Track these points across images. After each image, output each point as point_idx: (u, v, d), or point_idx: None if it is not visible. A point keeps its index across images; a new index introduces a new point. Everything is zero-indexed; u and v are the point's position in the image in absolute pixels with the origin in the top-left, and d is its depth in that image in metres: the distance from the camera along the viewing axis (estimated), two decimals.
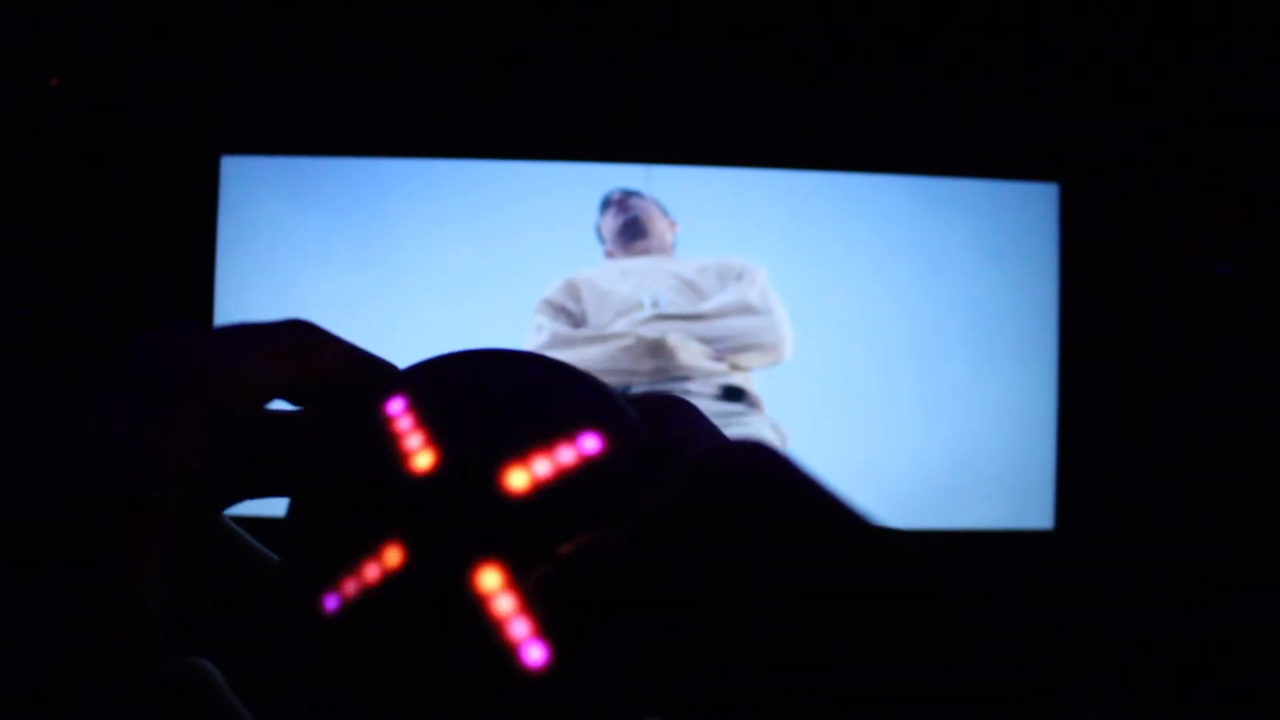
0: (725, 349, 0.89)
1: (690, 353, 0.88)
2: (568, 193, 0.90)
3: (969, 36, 0.88)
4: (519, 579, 0.16)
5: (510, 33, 0.86)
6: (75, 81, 0.82)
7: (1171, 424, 0.91)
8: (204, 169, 0.87)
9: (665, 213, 0.91)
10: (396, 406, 0.18)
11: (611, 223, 0.90)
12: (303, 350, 0.17)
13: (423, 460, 0.17)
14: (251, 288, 0.87)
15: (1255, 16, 0.86)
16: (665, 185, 0.91)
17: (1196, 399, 0.90)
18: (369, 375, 0.18)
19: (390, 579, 0.16)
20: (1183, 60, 0.89)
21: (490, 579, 0.16)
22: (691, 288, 0.90)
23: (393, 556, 0.16)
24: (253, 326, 0.17)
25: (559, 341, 0.88)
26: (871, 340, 0.92)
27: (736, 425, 0.87)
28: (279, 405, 0.18)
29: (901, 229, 0.92)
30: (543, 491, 0.17)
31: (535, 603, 0.16)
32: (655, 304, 0.89)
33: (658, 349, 0.88)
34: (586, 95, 0.89)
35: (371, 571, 0.16)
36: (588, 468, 0.17)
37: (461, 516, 0.16)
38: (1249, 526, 0.88)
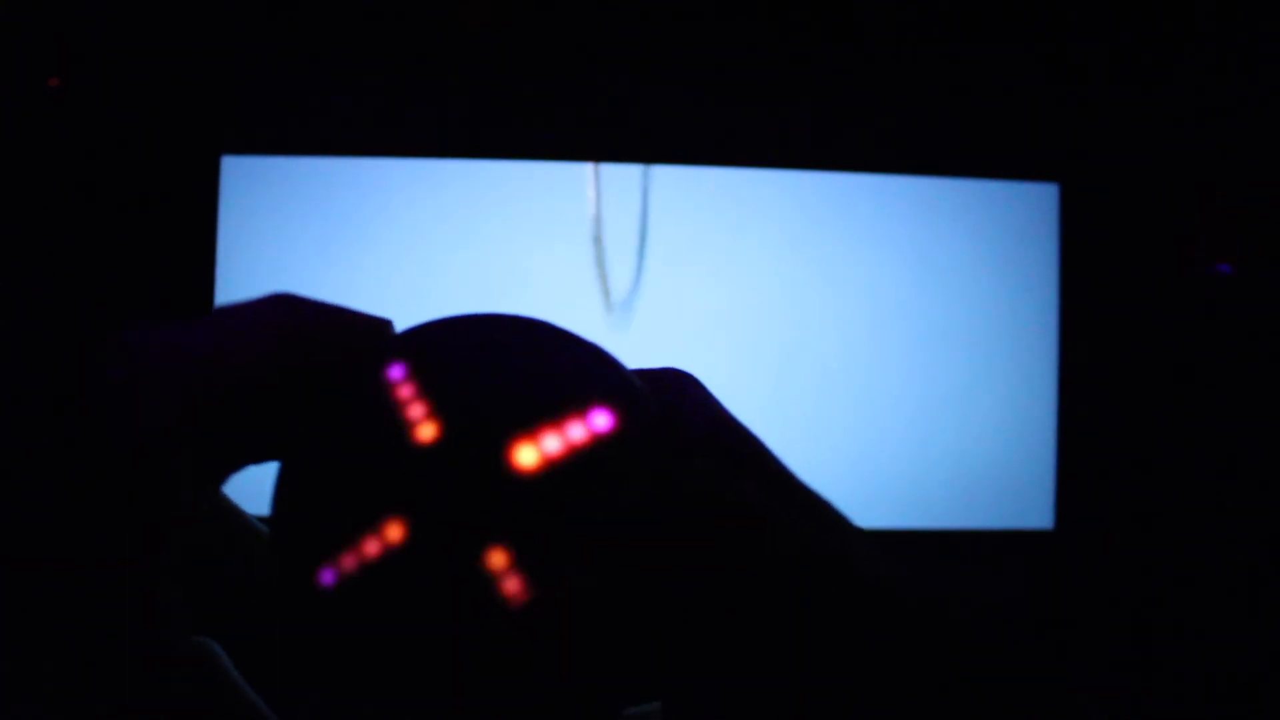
0: None
1: None
2: (568, 193, 0.90)
3: (968, 36, 0.88)
4: (526, 559, 0.15)
5: (510, 32, 0.86)
6: (75, 81, 0.82)
7: (1172, 424, 0.91)
8: (204, 169, 0.87)
9: None
10: (397, 373, 0.17)
11: None
12: (290, 323, 0.17)
13: (426, 432, 0.16)
14: (251, 288, 0.87)
15: (1256, 16, 0.86)
16: (665, 185, 0.91)
17: (1197, 399, 0.90)
18: (365, 339, 0.18)
19: (391, 554, 0.15)
20: (1183, 59, 0.89)
21: (497, 558, 0.15)
22: None
23: (394, 532, 0.15)
24: (233, 308, 0.17)
25: None
26: (871, 340, 0.92)
27: None
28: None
29: (901, 229, 0.92)
30: (552, 469, 0.16)
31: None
32: None
33: None
34: (587, 95, 0.89)
35: (371, 547, 0.15)
36: (599, 445, 0.16)
37: (467, 493, 0.16)
38: (1250, 527, 0.88)
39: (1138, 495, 0.91)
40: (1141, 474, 0.91)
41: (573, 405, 0.16)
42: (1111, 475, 0.92)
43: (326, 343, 0.17)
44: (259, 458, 0.17)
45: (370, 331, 0.17)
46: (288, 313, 0.16)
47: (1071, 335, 0.92)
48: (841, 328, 0.92)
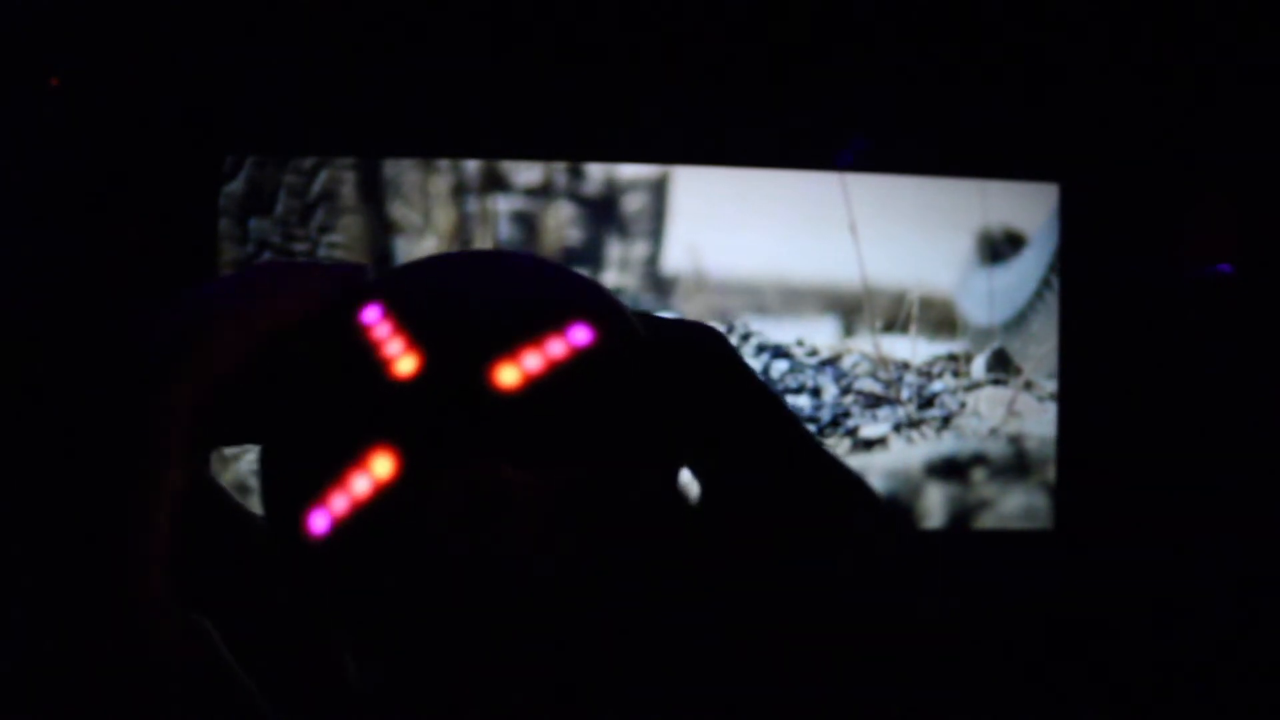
0: None
1: None
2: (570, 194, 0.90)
3: (968, 35, 0.88)
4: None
5: (511, 32, 0.86)
6: (75, 81, 0.82)
7: (1171, 424, 0.91)
8: (204, 169, 0.87)
9: None
10: (372, 315, 0.17)
11: None
12: (274, 292, 0.17)
13: (405, 365, 0.16)
14: None
15: (1256, 16, 0.86)
16: (666, 186, 0.91)
17: (1197, 399, 0.90)
18: (342, 288, 0.17)
19: (384, 490, 0.15)
20: (1182, 60, 0.89)
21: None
22: None
23: (383, 466, 0.15)
24: (222, 285, 0.17)
25: None
26: (871, 339, 0.92)
27: None
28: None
29: (901, 228, 0.92)
30: (535, 386, 0.16)
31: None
32: None
33: None
34: (588, 95, 0.89)
35: (361, 484, 0.15)
36: (579, 359, 0.16)
37: (453, 417, 0.15)
38: (1250, 527, 0.88)
39: (1138, 495, 0.91)
40: (1141, 474, 0.91)
41: (551, 322, 0.16)
42: (1111, 475, 0.92)
43: (306, 298, 0.17)
44: (241, 435, 0.17)
45: (346, 278, 0.18)
46: (272, 284, 0.16)
47: (1071, 335, 0.92)
48: (842, 327, 0.92)
